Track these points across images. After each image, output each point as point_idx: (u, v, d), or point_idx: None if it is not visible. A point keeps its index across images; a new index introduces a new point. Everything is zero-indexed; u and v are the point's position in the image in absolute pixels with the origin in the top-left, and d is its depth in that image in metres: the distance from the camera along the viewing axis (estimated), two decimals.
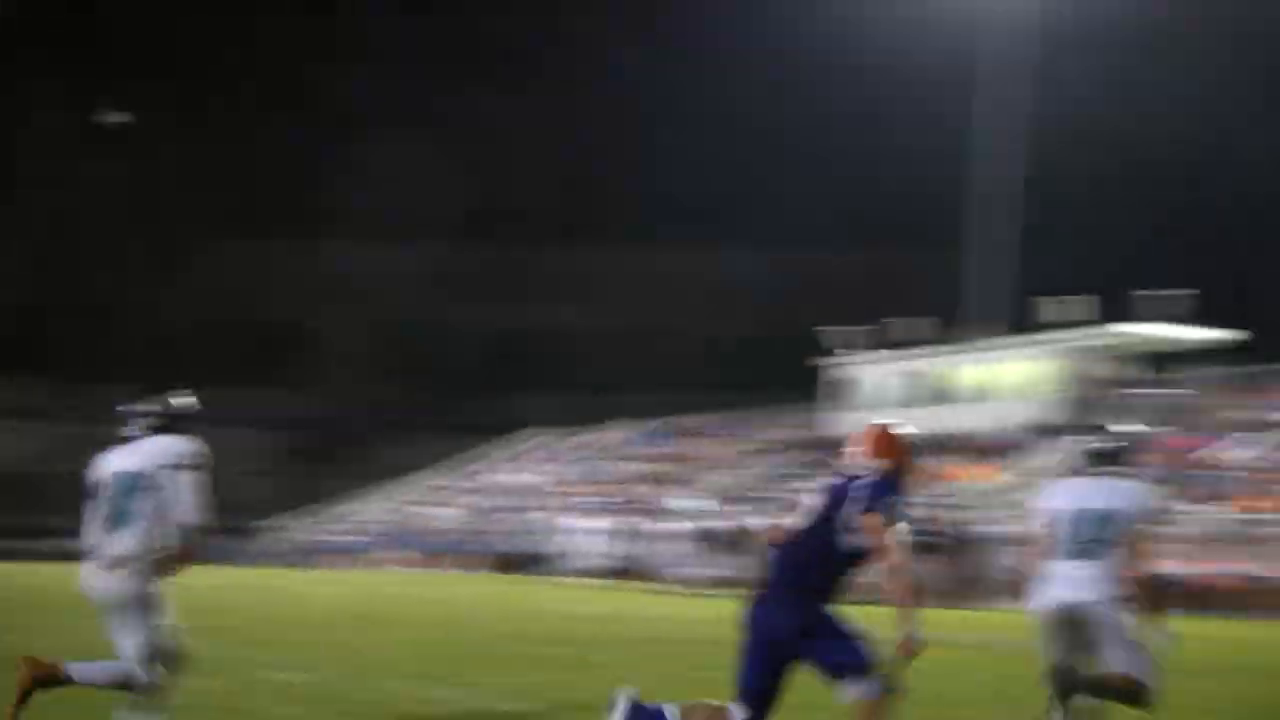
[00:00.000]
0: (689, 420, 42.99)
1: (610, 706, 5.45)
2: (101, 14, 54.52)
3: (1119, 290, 30.85)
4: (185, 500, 6.25)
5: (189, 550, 6.23)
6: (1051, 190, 39.38)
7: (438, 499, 44.76)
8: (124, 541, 6.29)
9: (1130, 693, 6.06)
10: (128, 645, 6.25)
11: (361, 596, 21.73)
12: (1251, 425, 28.07)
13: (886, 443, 5.60)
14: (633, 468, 40.78)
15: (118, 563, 6.26)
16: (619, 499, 36.70)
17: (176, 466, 6.33)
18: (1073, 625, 6.12)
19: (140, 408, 6.61)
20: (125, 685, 6.24)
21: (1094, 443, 6.44)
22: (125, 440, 6.53)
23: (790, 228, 49.80)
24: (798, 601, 5.32)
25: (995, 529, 23.50)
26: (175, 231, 56.46)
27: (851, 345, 38.16)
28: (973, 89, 34.76)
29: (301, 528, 45.27)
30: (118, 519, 6.34)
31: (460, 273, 56.15)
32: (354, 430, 57.35)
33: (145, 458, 6.38)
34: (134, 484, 6.35)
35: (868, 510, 5.34)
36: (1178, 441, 27.17)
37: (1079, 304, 32.05)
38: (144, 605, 6.25)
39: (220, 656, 9.62)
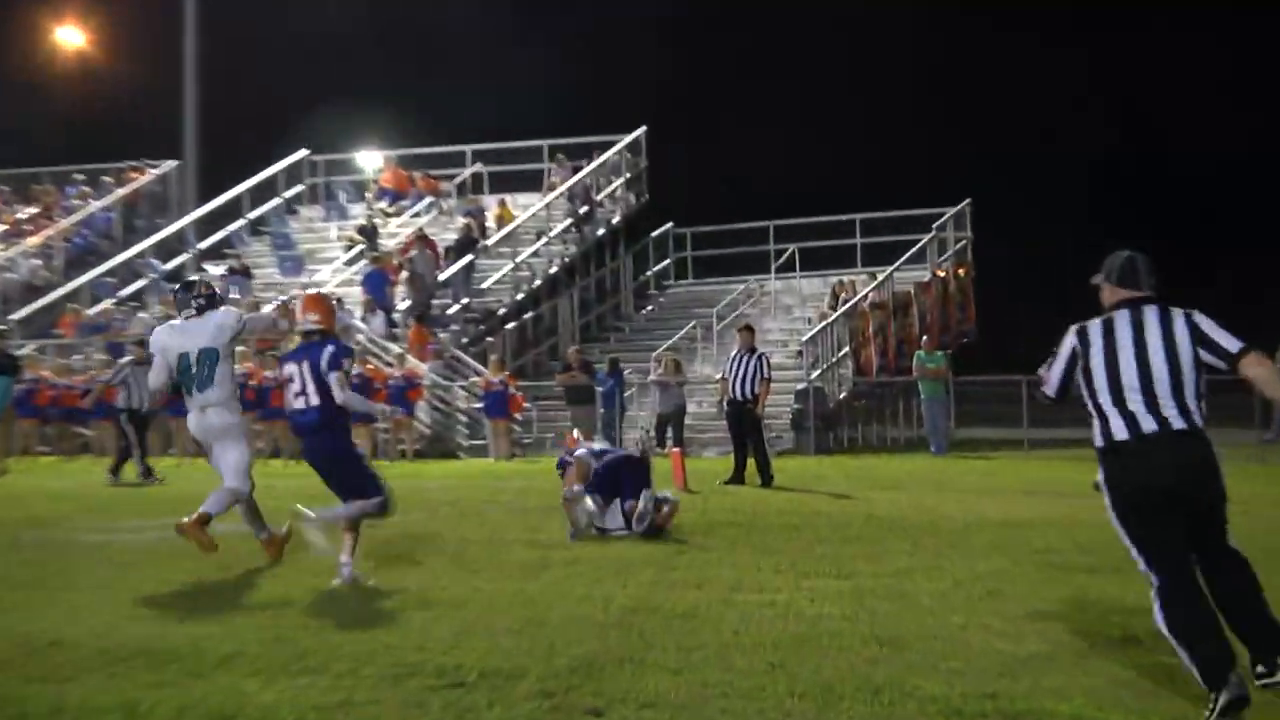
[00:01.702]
0: None
1: None
2: None
3: None
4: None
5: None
6: None
7: None
8: (213, 393, 8.82)
9: None
10: (231, 461, 8.85)
11: None
12: None
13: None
14: None
15: (212, 405, 8.81)
16: None
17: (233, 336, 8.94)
18: None
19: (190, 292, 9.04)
20: (237, 501, 8.88)
21: None
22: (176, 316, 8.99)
23: None
24: None
25: None
26: None
27: None
28: None
29: None
30: (204, 381, 8.81)
31: None
32: None
33: (210, 336, 8.84)
34: (208, 357, 8.83)
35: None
36: None
37: None
38: (239, 432, 8.97)
39: None
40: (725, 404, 16.32)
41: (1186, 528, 5.36)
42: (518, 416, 23.64)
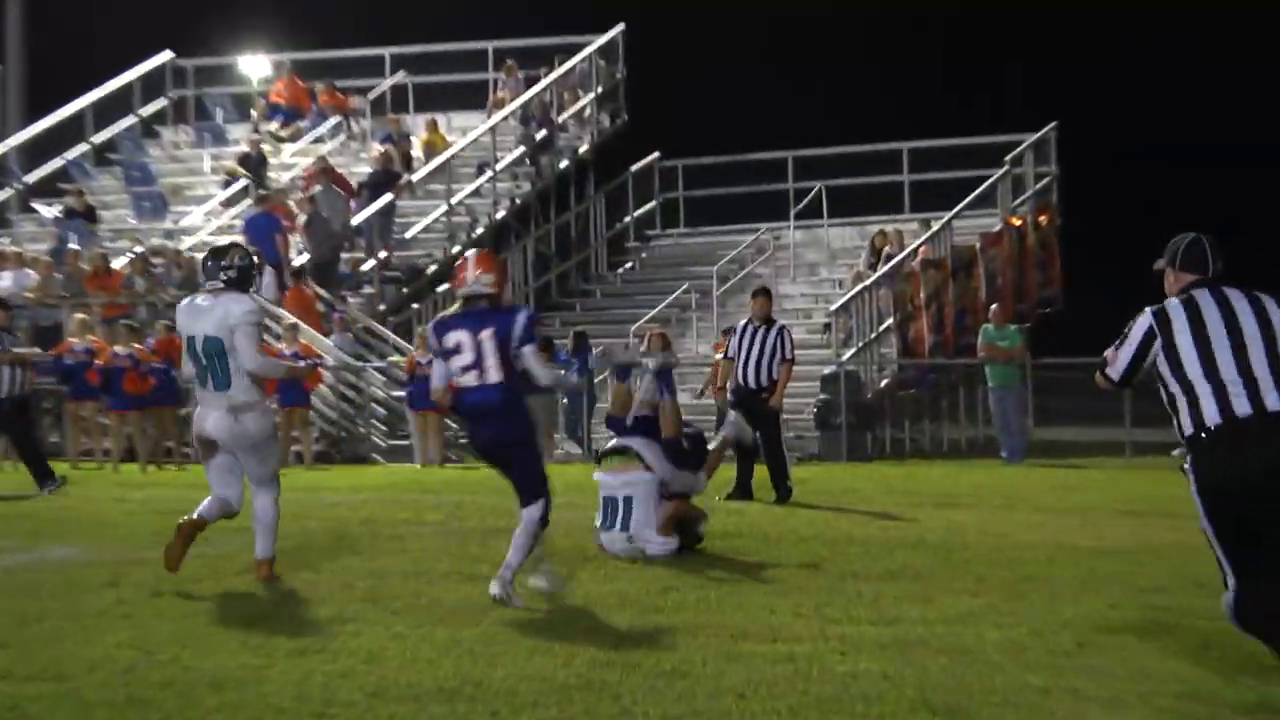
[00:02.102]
0: None
1: None
2: None
3: None
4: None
5: None
6: None
7: None
8: (240, 393, 9.72)
9: None
10: (263, 472, 9.91)
11: None
12: None
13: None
14: None
15: (245, 409, 9.72)
16: None
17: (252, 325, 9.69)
18: None
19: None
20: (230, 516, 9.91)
21: None
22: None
23: None
24: None
25: None
26: None
27: None
28: None
29: None
30: (220, 379, 9.70)
31: None
32: None
33: (216, 323, 9.65)
34: (214, 349, 9.68)
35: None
36: None
37: None
38: (275, 439, 10.19)
39: None
40: (730, 393, 16.30)
41: None
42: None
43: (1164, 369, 6.70)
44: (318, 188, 26.96)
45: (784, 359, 15.92)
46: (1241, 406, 6.51)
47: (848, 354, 24.71)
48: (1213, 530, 6.63)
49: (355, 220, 27.26)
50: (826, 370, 24.05)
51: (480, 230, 28.67)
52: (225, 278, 9.77)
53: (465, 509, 14.44)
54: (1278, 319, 6.65)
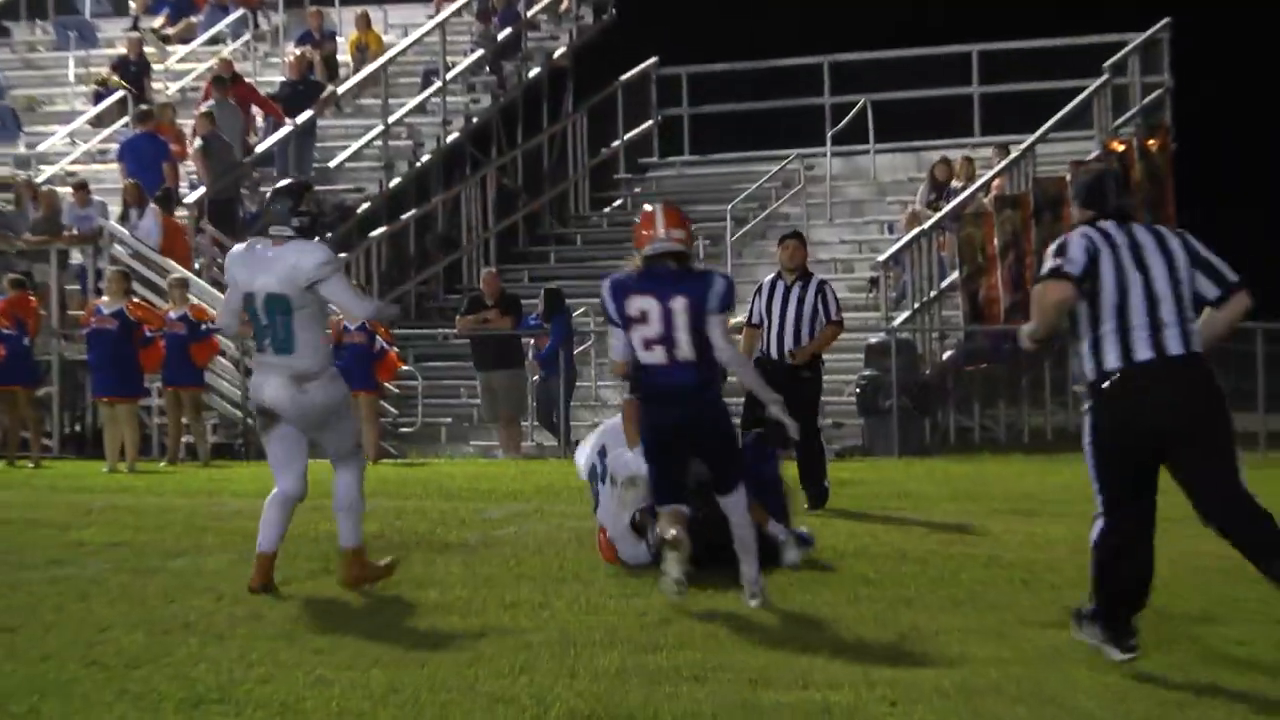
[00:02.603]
0: None
1: None
2: None
3: None
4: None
5: None
6: None
7: None
8: (305, 358, 10.40)
9: None
10: (343, 446, 10.70)
11: None
12: None
13: None
14: None
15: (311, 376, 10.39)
16: None
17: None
18: None
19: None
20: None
21: None
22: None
23: None
24: None
25: None
26: None
27: None
28: None
29: None
30: (281, 340, 10.36)
31: None
32: None
33: (282, 277, 10.23)
34: (278, 308, 10.29)
35: None
36: None
37: None
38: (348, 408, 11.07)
39: None
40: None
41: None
42: (390, 388, 23.68)
43: (1081, 309, 8.19)
44: (213, 102, 26.94)
45: (829, 320, 15.76)
46: (1143, 351, 8.03)
47: (900, 318, 24.76)
48: (1096, 471, 8.28)
49: (262, 145, 27.25)
50: (873, 339, 24.08)
51: (426, 157, 28.70)
52: (298, 224, 10.34)
53: (408, 517, 14.44)
54: (1181, 259, 8.19)
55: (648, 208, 10.14)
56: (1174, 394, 8.05)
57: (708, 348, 9.77)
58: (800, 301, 15.75)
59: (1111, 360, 8.10)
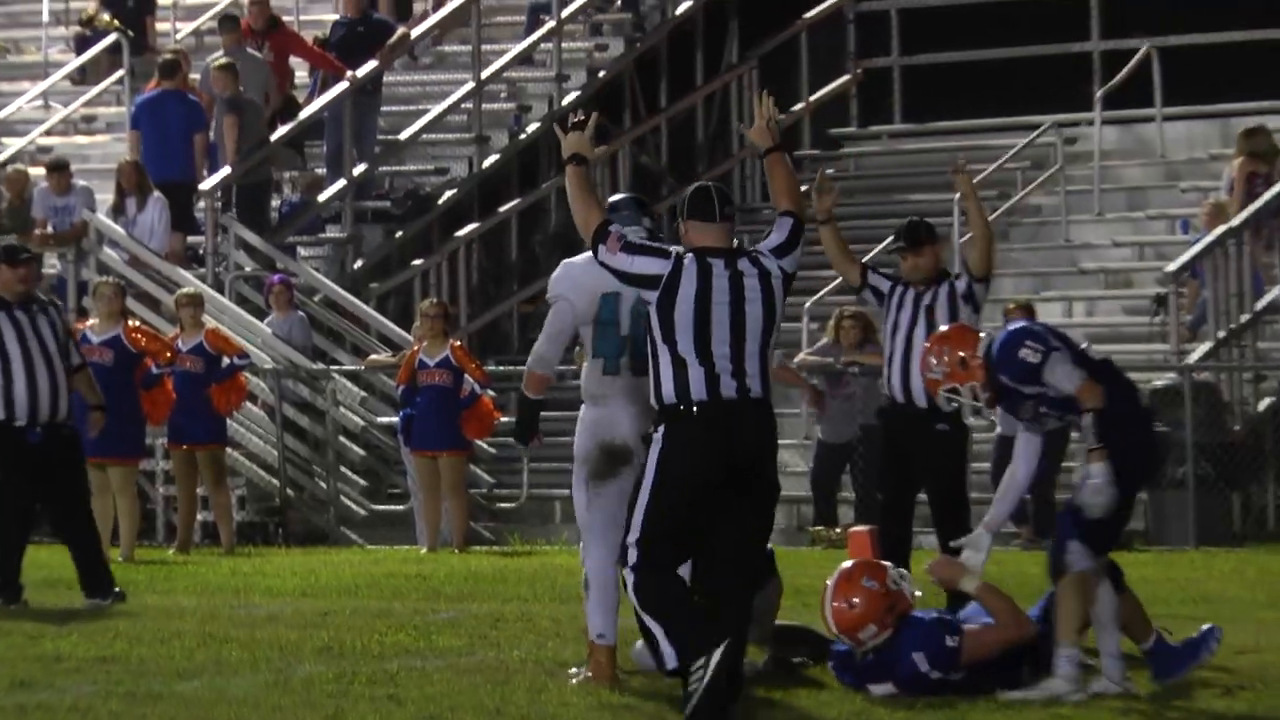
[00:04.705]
0: None
1: None
2: None
3: None
4: None
5: None
6: None
7: None
8: None
9: None
10: None
11: None
12: None
13: None
14: None
15: None
16: None
17: None
18: None
19: None
20: None
21: None
22: None
23: None
24: None
25: None
26: None
27: None
28: None
29: None
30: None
31: None
32: None
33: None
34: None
35: None
36: None
37: None
38: None
39: None
40: (876, 414, 16.39)
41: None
42: (484, 446, 23.79)
43: (655, 323, 10.49)
44: (240, 52, 27.15)
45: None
46: (728, 387, 10.26)
47: (1197, 351, 24.67)
48: (649, 502, 10.46)
49: (310, 109, 27.49)
50: (1159, 381, 24.01)
51: (534, 125, 28.81)
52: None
53: (507, 626, 14.52)
54: (753, 299, 10.39)
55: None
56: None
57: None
58: (931, 315, 14.78)
59: (698, 391, 10.31)
